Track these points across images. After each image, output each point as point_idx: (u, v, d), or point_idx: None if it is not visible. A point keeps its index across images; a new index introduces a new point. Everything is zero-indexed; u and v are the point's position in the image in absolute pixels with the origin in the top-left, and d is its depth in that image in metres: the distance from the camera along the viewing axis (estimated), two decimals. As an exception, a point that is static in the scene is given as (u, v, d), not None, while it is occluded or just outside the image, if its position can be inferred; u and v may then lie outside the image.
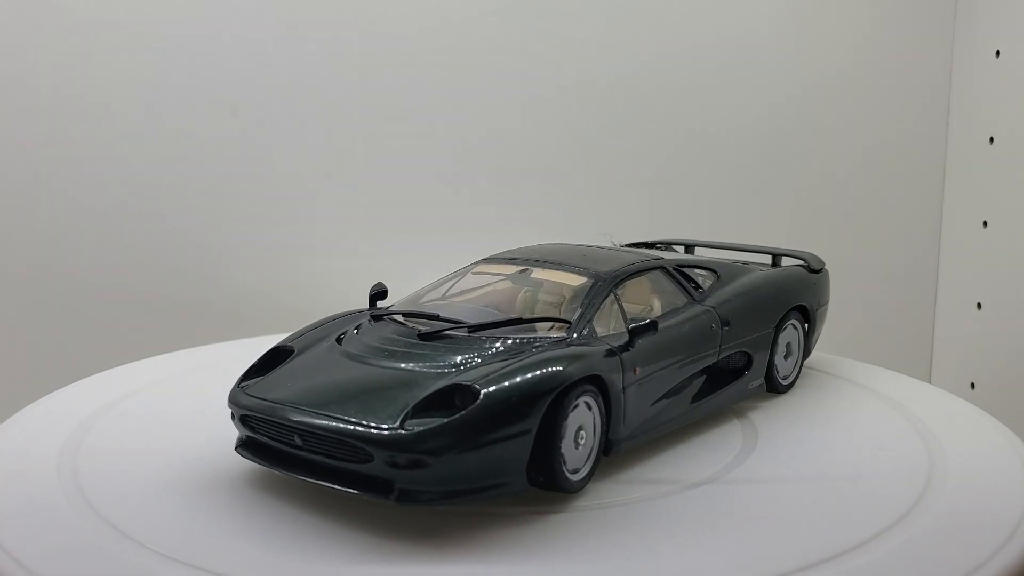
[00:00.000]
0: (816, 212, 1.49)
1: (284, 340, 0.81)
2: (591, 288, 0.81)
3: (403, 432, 0.65)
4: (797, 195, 1.48)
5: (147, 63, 1.21)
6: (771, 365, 0.94)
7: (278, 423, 0.70)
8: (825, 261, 1.05)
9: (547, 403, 0.68)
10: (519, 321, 0.77)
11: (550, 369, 0.69)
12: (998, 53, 1.43)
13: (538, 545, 0.66)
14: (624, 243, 1.08)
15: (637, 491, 0.75)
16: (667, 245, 1.09)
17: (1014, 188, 1.42)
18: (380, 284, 0.87)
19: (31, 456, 0.79)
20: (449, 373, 0.71)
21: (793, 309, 0.96)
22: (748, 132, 1.44)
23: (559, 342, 0.75)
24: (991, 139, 1.45)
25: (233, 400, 0.74)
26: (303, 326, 0.84)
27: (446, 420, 0.65)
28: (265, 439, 0.73)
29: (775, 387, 0.95)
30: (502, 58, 1.33)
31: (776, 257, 1.04)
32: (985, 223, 1.47)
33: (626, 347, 0.76)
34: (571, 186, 1.38)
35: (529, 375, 0.68)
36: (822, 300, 1.02)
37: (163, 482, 0.75)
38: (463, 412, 0.66)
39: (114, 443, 0.83)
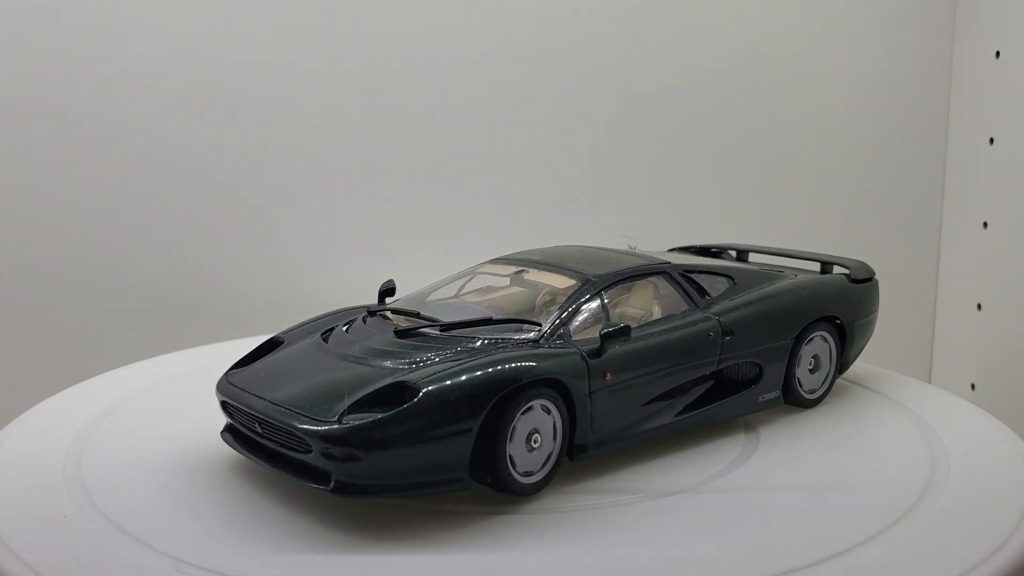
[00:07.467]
0: (816, 212, 1.49)
1: (280, 332, 0.84)
2: (576, 291, 0.81)
3: (336, 426, 0.67)
4: (796, 195, 1.48)
5: (145, 63, 1.21)
6: (791, 378, 0.90)
7: (243, 411, 0.74)
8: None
9: (491, 404, 0.69)
10: (489, 322, 0.78)
11: (497, 370, 0.70)
12: (998, 53, 1.43)
13: (475, 544, 0.67)
14: (676, 246, 1.09)
15: (599, 499, 0.74)
16: (721, 249, 1.08)
17: (1014, 188, 1.42)
18: (390, 281, 0.89)
19: (36, 459, 0.79)
20: (405, 370, 0.71)
21: (822, 320, 0.92)
22: (745, 132, 1.44)
23: (527, 344, 0.75)
24: (991, 139, 1.46)
25: (218, 386, 0.78)
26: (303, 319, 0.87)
27: (380, 416, 0.67)
28: (239, 426, 0.77)
29: (797, 401, 0.91)
30: (510, 57, 1.33)
31: (825, 265, 1.00)
32: (985, 224, 1.48)
33: (597, 352, 0.75)
34: (594, 191, 1.39)
35: (474, 375, 0.69)
36: (863, 312, 0.96)
37: (169, 483, 0.76)
38: (398, 409, 0.67)
39: (118, 445, 0.83)
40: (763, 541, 0.67)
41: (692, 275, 0.89)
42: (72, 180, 1.21)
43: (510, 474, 0.71)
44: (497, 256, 0.93)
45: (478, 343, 0.75)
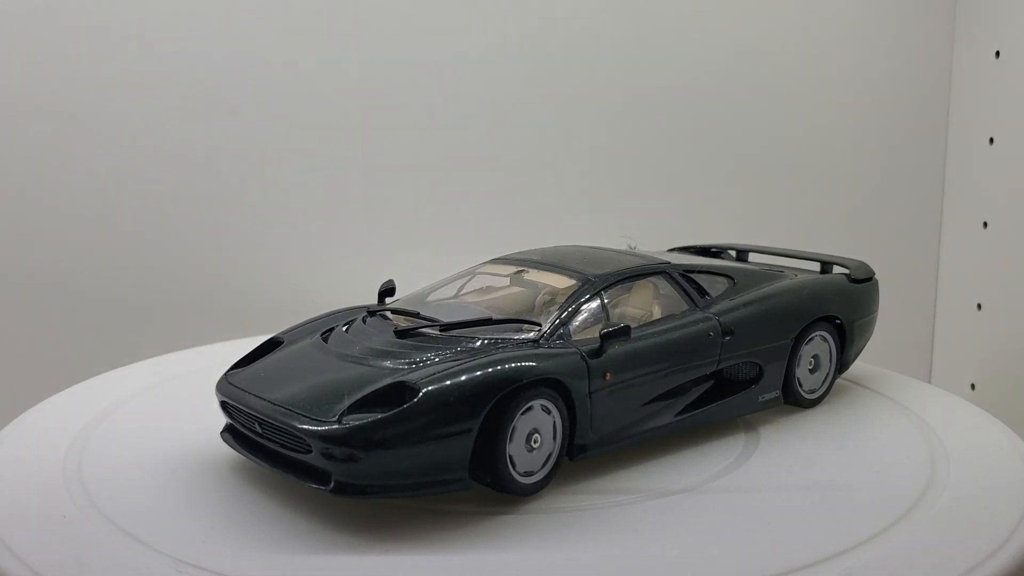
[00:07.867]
0: (816, 212, 1.49)
1: (280, 332, 0.84)
2: (576, 291, 0.81)
3: (336, 426, 0.67)
4: (796, 195, 1.48)
5: (145, 63, 1.20)
6: (791, 378, 0.90)
7: (243, 411, 0.74)
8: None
9: (490, 404, 0.69)
10: (489, 322, 0.78)
11: (497, 370, 0.70)
12: (998, 53, 1.43)
13: (475, 544, 0.67)
14: (676, 246, 1.09)
15: (599, 499, 0.74)
16: (721, 249, 1.08)
17: (1014, 188, 1.42)
18: (390, 281, 0.89)
19: (36, 459, 0.79)
20: (404, 371, 0.72)
21: (822, 320, 0.92)
22: (745, 132, 1.44)
23: (527, 344, 0.75)
24: (991, 139, 1.46)
25: (218, 387, 0.78)
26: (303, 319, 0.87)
27: (380, 416, 0.67)
28: (238, 426, 0.77)
29: (797, 401, 0.91)
30: (510, 57, 1.33)
31: (825, 265, 1.00)
32: (985, 223, 1.48)
33: (596, 352, 0.75)
34: (594, 191, 1.39)
35: (474, 375, 0.69)
36: (862, 312, 0.96)
37: (169, 483, 0.76)
38: (398, 409, 0.67)
39: (118, 445, 0.83)
40: (763, 541, 0.67)
41: (692, 275, 0.89)
42: (72, 180, 1.21)
43: (510, 474, 0.71)
44: (497, 256, 0.93)
45: (478, 343, 0.75)
